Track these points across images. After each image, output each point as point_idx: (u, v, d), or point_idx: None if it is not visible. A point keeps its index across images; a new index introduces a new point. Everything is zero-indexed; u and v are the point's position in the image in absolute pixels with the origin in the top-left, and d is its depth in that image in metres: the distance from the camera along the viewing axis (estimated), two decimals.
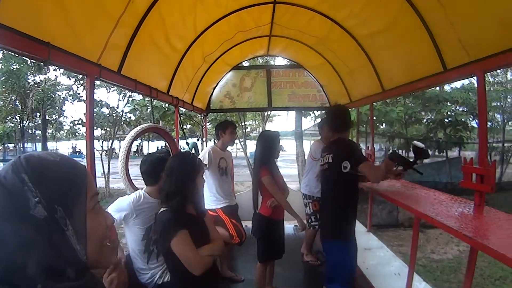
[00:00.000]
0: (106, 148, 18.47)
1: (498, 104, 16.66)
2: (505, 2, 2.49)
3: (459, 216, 2.85)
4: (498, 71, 17.63)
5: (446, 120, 14.18)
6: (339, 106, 4.37)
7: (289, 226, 5.81)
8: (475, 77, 3.13)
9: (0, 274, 0.82)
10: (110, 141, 18.70)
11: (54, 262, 0.87)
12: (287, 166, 24.45)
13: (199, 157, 5.11)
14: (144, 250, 3.31)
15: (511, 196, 13.75)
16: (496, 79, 19.04)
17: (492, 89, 17.43)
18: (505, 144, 16.46)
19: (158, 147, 43.12)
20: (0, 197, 0.84)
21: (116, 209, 3.28)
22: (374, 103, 6.82)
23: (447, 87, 15.87)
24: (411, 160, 3.76)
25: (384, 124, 14.02)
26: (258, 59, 13.93)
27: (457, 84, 16.04)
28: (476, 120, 14.48)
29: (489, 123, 15.64)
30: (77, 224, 0.93)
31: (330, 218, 3.83)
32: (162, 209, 2.75)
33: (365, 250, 5.07)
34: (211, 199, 5.07)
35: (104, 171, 17.46)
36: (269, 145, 4.39)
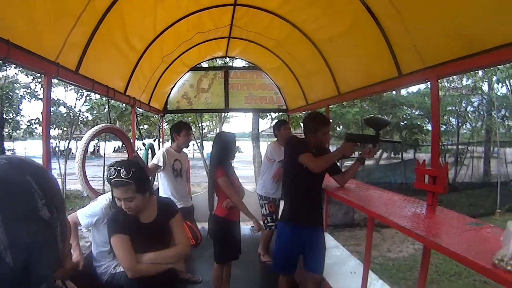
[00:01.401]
0: (63, 148, 17.99)
1: (453, 108, 17.19)
2: (458, 12, 2.59)
3: (412, 215, 2.94)
4: (454, 77, 18.22)
5: (402, 123, 14.53)
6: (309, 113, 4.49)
7: (246, 227, 5.85)
8: (429, 83, 3.24)
9: (11, 273, 0.83)
10: (67, 141, 18.24)
11: (55, 261, 0.94)
12: (244, 167, 24.45)
13: (154, 159, 5.13)
14: (109, 251, 3.37)
15: (464, 196, 14.31)
16: (452, 85, 19.65)
17: (447, 94, 17.98)
18: (459, 147, 17.03)
19: (114, 147, 42.52)
20: (10, 198, 0.85)
21: (90, 214, 3.40)
22: (331, 106, 6.95)
23: (403, 92, 16.32)
24: (373, 135, 3.91)
25: (341, 126, 14.25)
26: (216, 60, 13.91)
27: (414, 88, 16.53)
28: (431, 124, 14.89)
29: (444, 127, 16.19)
30: (61, 225, 0.96)
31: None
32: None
33: None
34: None
35: (60, 172, 16.98)
36: (225, 146, 4.44)
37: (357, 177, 12.33)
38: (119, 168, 2.69)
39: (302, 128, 4.08)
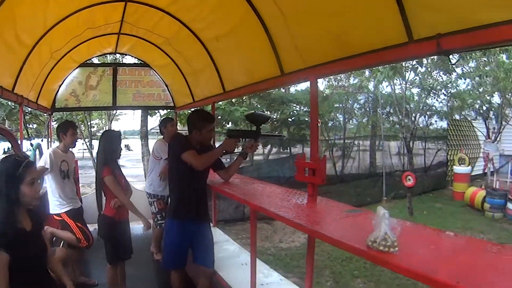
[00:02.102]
0: None
1: (340, 105, 18.04)
2: (337, 18, 2.82)
3: (293, 206, 3.09)
4: (342, 76, 19.17)
5: (290, 120, 15.03)
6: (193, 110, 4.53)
7: (139, 226, 5.78)
8: (309, 82, 3.44)
9: None
10: None
11: None
12: (134, 166, 23.78)
13: (41, 161, 4.90)
14: None
15: (352, 187, 15.08)
16: (340, 83, 20.62)
17: (335, 92, 18.87)
18: (346, 141, 17.84)
19: (4, 149, 39.39)
20: None
21: None
22: (220, 103, 7.03)
23: (292, 89, 16.86)
24: (254, 130, 4.09)
25: (230, 123, 14.44)
26: (106, 57, 13.49)
27: (302, 86, 17.14)
28: (319, 120, 15.53)
29: (331, 122, 16.96)
30: None
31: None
32: None
33: None
34: (55, 203, 4.84)
35: None
36: (110, 144, 4.37)
37: (246, 172, 12.68)
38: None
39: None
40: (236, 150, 4.31)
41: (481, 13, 1.92)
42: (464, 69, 17.27)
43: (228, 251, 5.13)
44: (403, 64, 13.56)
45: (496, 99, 18.89)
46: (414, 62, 13.89)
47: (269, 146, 16.80)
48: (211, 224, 4.56)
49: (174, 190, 4.05)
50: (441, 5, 2.11)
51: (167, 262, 4.07)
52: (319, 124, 15.38)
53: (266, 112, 14.28)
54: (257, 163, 15.45)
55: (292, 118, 14.94)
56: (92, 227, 4.94)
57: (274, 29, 3.67)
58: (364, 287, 6.63)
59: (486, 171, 17.66)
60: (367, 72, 15.92)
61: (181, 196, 3.97)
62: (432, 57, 13.18)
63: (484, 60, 16.56)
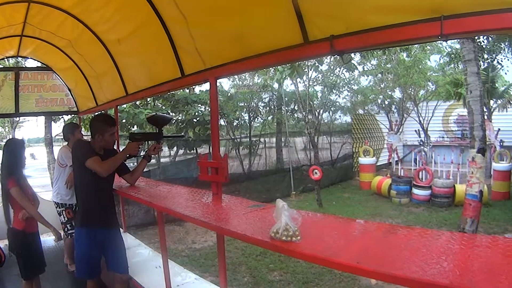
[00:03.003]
0: None
1: (245, 104, 18.25)
2: (237, 20, 2.94)
3: (199, 206, 3.17)
4: (246, 75, 19.44)
5: (195, 120, 15.01)
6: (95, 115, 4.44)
7: (50, 238, 5.56)
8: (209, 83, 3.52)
9: None
10: None
11: None
12: (40, 175, 22.49)
13: None
14: None
15: (261, 183, 15.33)
16: (244, 82, 20.86)
17: (239, 91, 19.07)
18: (252, 139, 18.03)
19: None
20: None
21: None
22: (124, 106, 6.90)
23: (196, 89, 16.79)
24: (156, 131, 4.14)
25: (135, 126, 14.18)
26: (8, 60, 12.72)
27: (207, 86, 16.96)
28: (224, 119, 15.66)
29: (237, 121, 17.12)
30: None
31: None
32: None
33: None
34: None
35: None
36: (13, 154, 4.21)
37: (154, 175, 12.55)
38: None
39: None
40: (141, 153, 4.31)
41: (370, 17, 2.13)
42: (366, 67, 18.26)
43: (142, 255, 5.12)
44: (306, 62, 14.02)
45: (397, 94, 20.24)
46: (314, 61, 14.41)
47: (175, 148, 16.62)
48: (121, 230, 4.51)
49: (80, 197, 3.97)
50: (334, 10, 2.30)
51: (81, 272, 3.93)
52: (221, 123, 15.58)
53: (170, 113, 14.20)
54: (164, 165, 15.25)
55: (197, 119, 14.89)
56: (3, 243, 4.68)
57: (175, 31, 3.72)
58: (281, 279, 6.79)
59: (390, 161, 18.83)
60: (271, 71, 16.23)
61: (87, 203, 3.88)
62: (334, 56, 13.85)
63: (385, 58, 17.69)
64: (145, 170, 4.45)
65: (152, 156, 4.42)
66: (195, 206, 3.13)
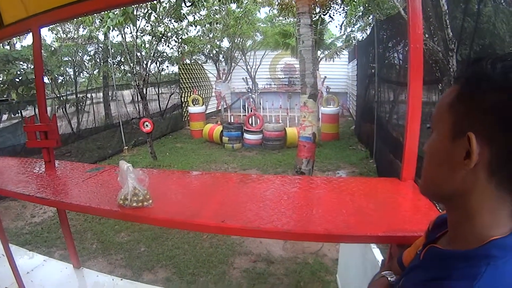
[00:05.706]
0: None
1: (70, 58, 17.10)
2: None
3: (33, 178, 2.67)
4: (70, 27, 18.03)
5: (17, 80, 13.58)
6: None
7: None
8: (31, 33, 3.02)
9: None
10: None
11: None
12: None
13: None
14: None
15: (91, 141, 14.83)
16: (69, 35, 19.39)
17: (63, 44, 17.69)
18: (79, 95, 17.08)
19: None
20: None
21: None
22: None
23: (18, 46, 15.18)
24: None
25: None
26: None
27: (29, 41, 15.50)
28: (48, 77, 14.54)
29: (61, 78, 15.97)
30: None
31: None
32: None
33: None
34: None
35: None
36: None
37: None
38: None
39: None
40: None
41: None
42: (195, 16, 18.08)
43: None
44: (135, 9, 13.34)
45: (225, 43, 20.59)
46: (147, 9, 13.84)
47: None
48: None
49: None
50: None
51: None
52: (47, 80, 14.36)
53: None
54: None
55: (20, 78, 13.45)
56: None
57: None
58: (130, 239, 6.56)
59: (219, 108, 19.38)
60: (97, 22, 15.27)
61: None
62: (164, 5, 13.52)
63: (215, 9, 17.77)
64: None
65: None
66: (28, 180, 2.60)
